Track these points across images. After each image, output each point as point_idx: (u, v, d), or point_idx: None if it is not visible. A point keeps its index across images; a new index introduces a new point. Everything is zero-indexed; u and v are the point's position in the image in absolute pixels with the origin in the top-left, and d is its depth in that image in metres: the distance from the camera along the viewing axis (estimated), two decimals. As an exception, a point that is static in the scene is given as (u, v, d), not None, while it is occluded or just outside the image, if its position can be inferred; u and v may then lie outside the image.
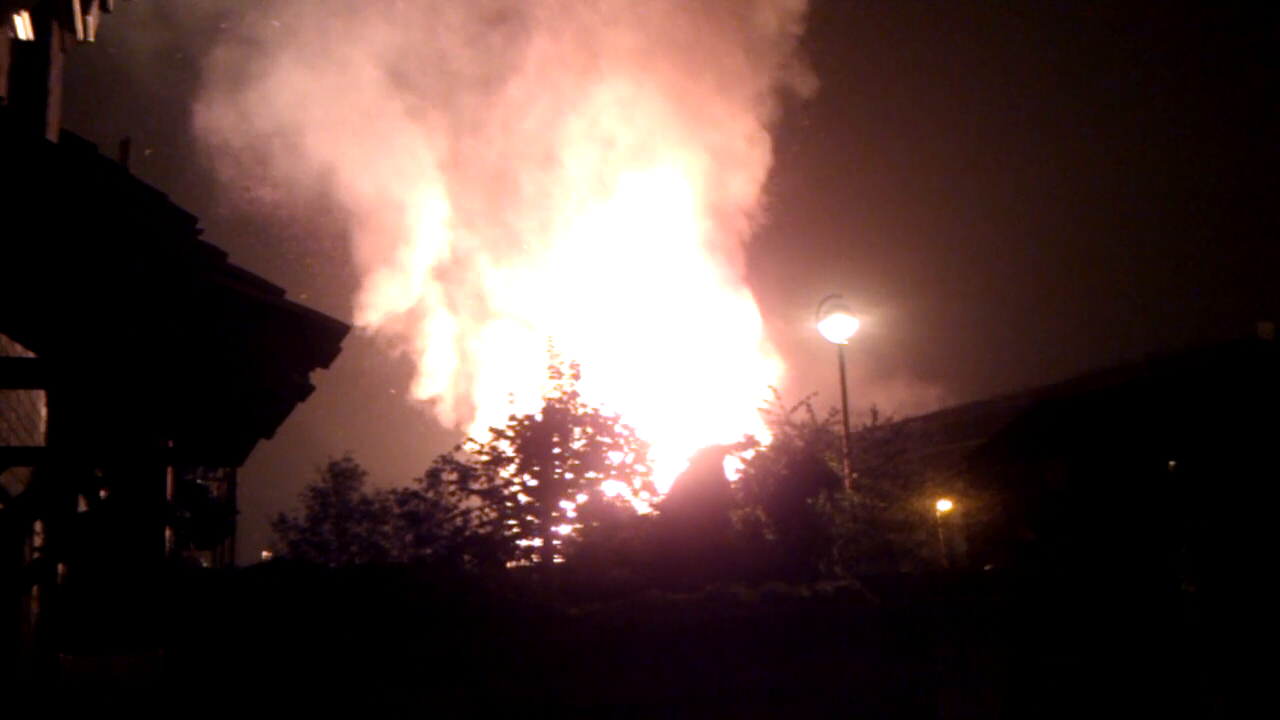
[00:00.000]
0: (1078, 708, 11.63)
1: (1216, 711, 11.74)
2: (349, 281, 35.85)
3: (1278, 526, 17.96)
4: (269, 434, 6.32)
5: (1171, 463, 21.54)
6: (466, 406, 33.82)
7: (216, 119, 32.95)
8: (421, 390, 34.53)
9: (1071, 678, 11.85)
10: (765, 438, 20.12)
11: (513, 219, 36.56)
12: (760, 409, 21.10)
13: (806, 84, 36.10)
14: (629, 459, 18.06)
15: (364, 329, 34.12)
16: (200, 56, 33.11)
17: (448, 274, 35.97)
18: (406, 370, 35.39)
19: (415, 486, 18.29)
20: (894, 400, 25.15)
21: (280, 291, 4.85)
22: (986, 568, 18.26)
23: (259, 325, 4.89)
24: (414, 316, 35.39)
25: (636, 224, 35.26)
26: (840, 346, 20.43)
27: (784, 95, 36.11)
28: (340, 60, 34.97)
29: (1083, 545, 17.00)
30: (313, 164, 34.38)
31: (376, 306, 34.95)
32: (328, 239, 35.87)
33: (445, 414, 34.42)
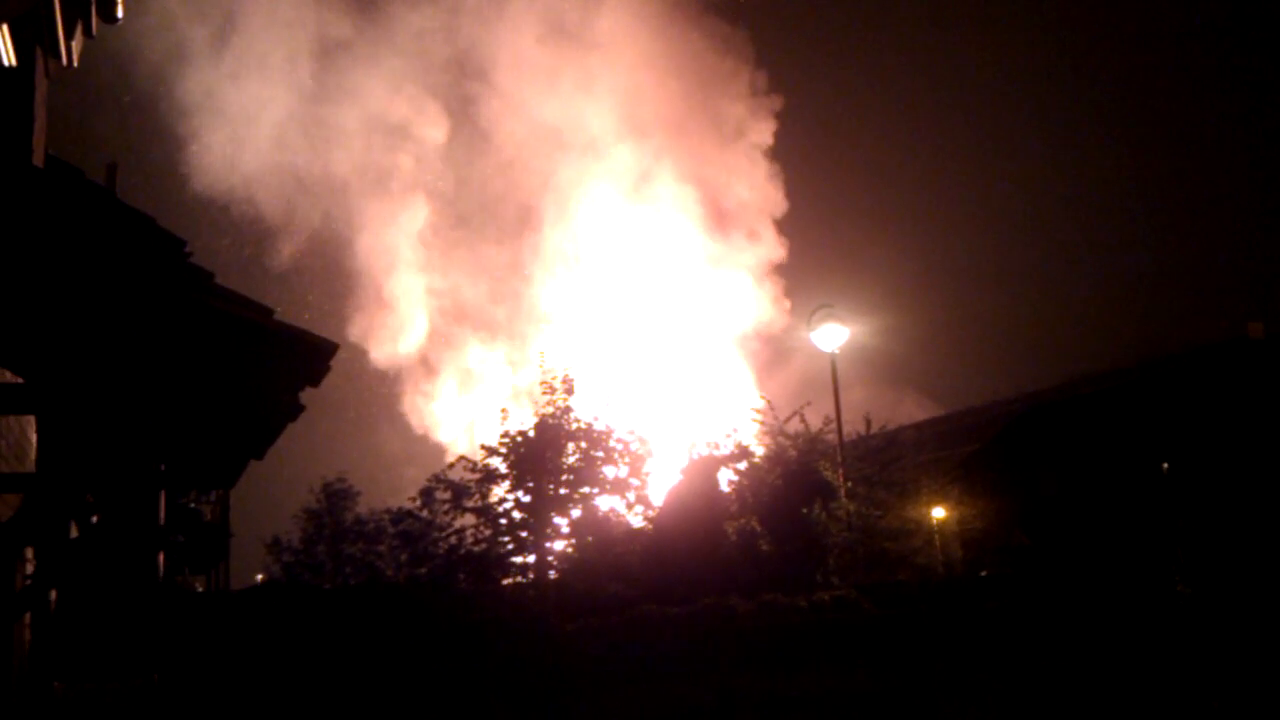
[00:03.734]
0: (1078, 711, 11.62)
1: (1215, 712, 11.73)
2: (339, 298, 35.36)
3: (1272, 526, 17.97)
4: (259, 455, 6.28)
5: (1165, 465, 21.58)
6: (460, 423, 33.53)
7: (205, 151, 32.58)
8: (413, 407, 34.20)
9: (1065, 681, 11.85)
10: (759, 449, 20.09)
11: (507, 238, 36.37)
12: (754, 419, 21.09)
13: (779, 100, 36.07)
14: (623, 473, 18.00)
15: (362, 353, 33.78)
16: (184, 88, 32.63)
17: (439, 290, 35.65)
18: (399, 388, 35.00)
19: (409, 505, 18.25)
20: (887, 407, 25.07)
21: (269, 311, 4.83)
22: (982, 574, 18.25)
23: (248, 346, 4.86)
24: (404, 332, 35.04)
25: (630, 237, 35.06)
26: (832, 355, 20.41)
27: (771, 110, 36.03)
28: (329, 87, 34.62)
29: (1078, 550, 17.01)
30: (300, 185, 34.01)
31: (364, 323, 34.53)
32: (319, 258, 35.39)
33: (438, 431, 34.12)
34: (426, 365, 34.74)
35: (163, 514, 10.63)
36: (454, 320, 35.30)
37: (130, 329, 5.26)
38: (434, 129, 34.72)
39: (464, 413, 33.57)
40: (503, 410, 17.90)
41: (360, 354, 33.54)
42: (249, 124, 32.62)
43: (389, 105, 34.54)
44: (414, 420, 34.12)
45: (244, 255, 34.48)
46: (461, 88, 35.24)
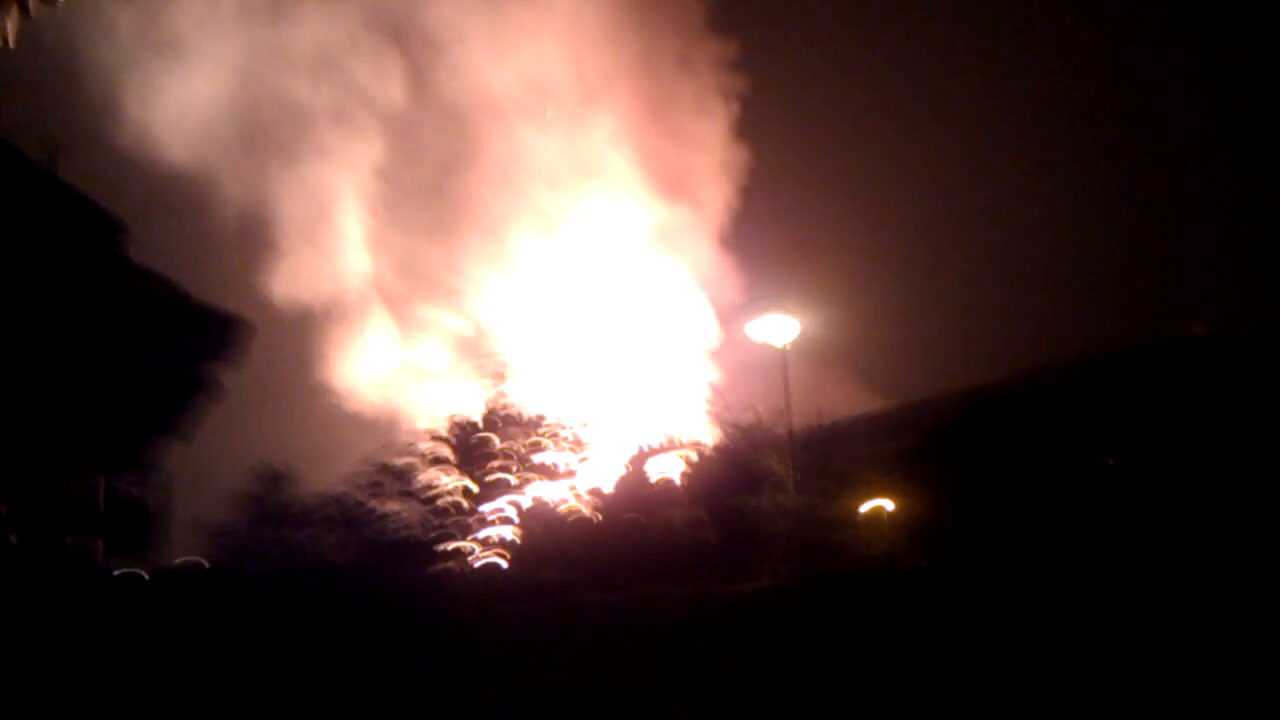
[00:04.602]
0: (1001, 698, 11.91)
1: (1139, 708, 12.07)
2: (265, 268, 33.85)
3: (1207, 522, 18.39)
4: (184, 436, 6.32)
5: (1107, 459, 21.97)
6: (401, 408, 32.94)
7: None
8: (353, 391, 33.34)
9: (993, 668, 12.14)
10: (710, 439, 20.28)
11: (450, 201, 35.47)
12: (705, 411, 21.29)
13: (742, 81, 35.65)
14: (569, 460, 18.12)
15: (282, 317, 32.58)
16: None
17: (379, 249, 34.73)
18: (339, 368, 33.98)
19: (350, 490, 18.16)
20: (818, 390, 25.15)
21: (182, 289, 4.87)
22: (918, 564, 18.54)
23: (161, 323, 4.91)
24: (342, 312, 34.01)
25: (583, 224, 34.65)
26: (781, 348, 20.54)
27: (736, 84, 35.61)
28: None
29: (1012, 541, 17.35)
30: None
31: (298, 298, 33.35)
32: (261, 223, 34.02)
33: (379, 416, 33.39)
34: (363, 324, 34.03)
35: (100, 497, 10.57)
36: (395, 280, 34.61)
37: (48, 309, 5.30)
38: (376, 87, 33.99)
39: (405, 375, 33.03)
40: (444, 397, 17.94)
41: (299, 321, 32.79)
42: (191, 86, 31.76)
43: (330, 64, 33.72)
44: (350, 383, 33.28)
45: (193, 225, 33.64)
46: (408, 45, 34.44)
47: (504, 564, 17.08)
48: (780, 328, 20.58)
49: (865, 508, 21.96)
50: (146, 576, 16.43)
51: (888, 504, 23.86)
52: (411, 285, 35.37)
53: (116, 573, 15.21)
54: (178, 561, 19.09)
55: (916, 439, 27.01)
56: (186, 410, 5.86)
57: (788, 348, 20.41)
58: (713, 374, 32.66)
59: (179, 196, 33.09)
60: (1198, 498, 19.35)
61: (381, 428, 33.13)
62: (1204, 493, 19.45)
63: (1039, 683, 12.08)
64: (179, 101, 32.19)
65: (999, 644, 13.33)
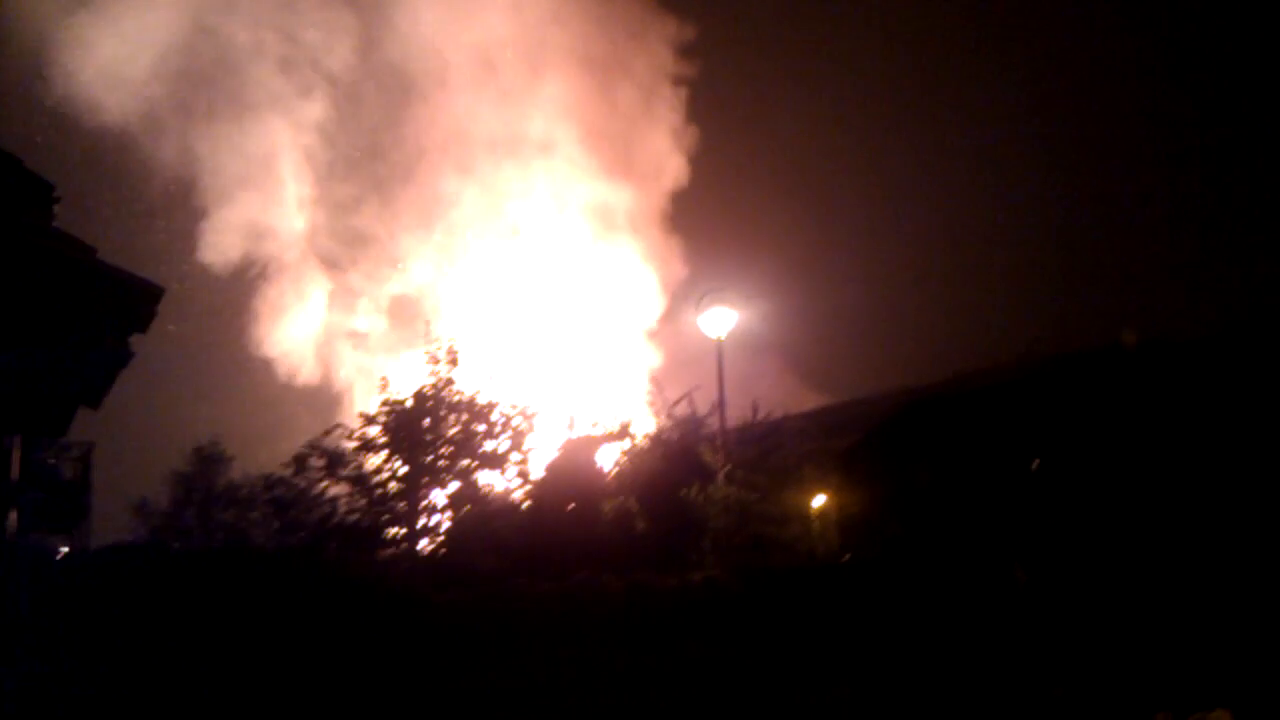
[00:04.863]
0: (926, 693, 12.04)
1: (1057, 700, 12.26)
2: (201, 229, 32.67)
3: (1141, 523, 18.73)
4: (93, 403, 6.11)
5: (1034, 462, 22.31)
6: (337, 387, 32.20)
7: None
8: (290, 364, 32.37)
9: (921, 664, 12.29)
10: (648, 427, 20.24)
11: (393, 174, 34.64)
12: (643, 400, 21.27)
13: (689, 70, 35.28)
14: (504, 447, 17.97)
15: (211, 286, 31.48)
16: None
17: (317, 238, 33.81)
18: (274, 338, 33.01)
19: (283, 472, 17.83)
20: (775, 395, 25.30)
21: (90, 250, 4.69)
22: (847, 559, 18.71)
23: (66, 285, 4.72)
24: (278, 273, 33.03)
25: (526, 197, 34.14)
26: (718, 340, 20.56)
27: (687, 70, 35.29)
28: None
29: (942, 538, 17.59)
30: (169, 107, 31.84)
31: (234, 258, 32.22)
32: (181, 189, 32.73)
33: (316, 394, 32.57)
34: (299, 289, 33.20)
35: (16, 468, 10.24)
36: (332, 246, 33.88)
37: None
38: (322, 48, 33.10)
39: (342, 348, 32.43)
40: (383, 379, 17.71)
41: (234, 285, 31.94)
42: (127, 38, 30.67)
43: (276, 20, 32.77)
44: (286, 356, 32.48)
45: (128, 184, 32.53)
46: (357, 6, 33.62)
47: (438, 551, 16.89)
48: (719, 320, 20.60)
49: (801, 503, 22.17)
50: (63, 551, 16.08)
51: (824, 499, 24.12)
52: (348, 252, 34.63)
53: (32, 546, 14.85)
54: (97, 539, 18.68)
55: (855, 437, 27.32)
56: (89, 375, 5.65)
57: (723, 340, 20.43)
58: (653, 361, 32.63)
59: (113, 154, 32.06)
60: (1130, 500, 19.78)
61: (318, 406, 32.47)
62: (1136, 495, 19.89)
63: (971, 678, 12.21)
64: (114, 54, 31.08)
65: (931, 640, 13.48)
